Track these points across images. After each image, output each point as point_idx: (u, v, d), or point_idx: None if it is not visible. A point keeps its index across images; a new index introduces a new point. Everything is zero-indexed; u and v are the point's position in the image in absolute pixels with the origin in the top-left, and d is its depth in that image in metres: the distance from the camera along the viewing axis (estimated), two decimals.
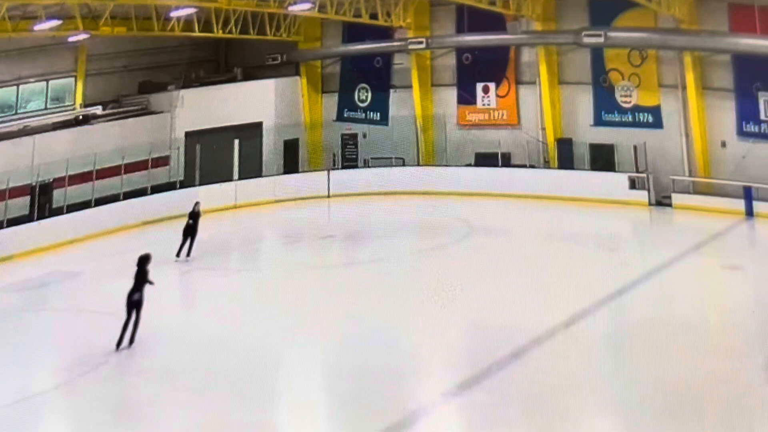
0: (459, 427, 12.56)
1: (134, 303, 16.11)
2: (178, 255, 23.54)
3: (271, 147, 35.32)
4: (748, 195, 26.11)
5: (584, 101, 31.16)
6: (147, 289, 16.24)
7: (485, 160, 32.47)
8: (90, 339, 16.75)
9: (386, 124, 35.90)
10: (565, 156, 31.07)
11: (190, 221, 24.04)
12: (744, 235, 25.31)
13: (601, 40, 28.91)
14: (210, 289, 20.95)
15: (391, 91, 36.12)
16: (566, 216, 27.45)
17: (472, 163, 32.98)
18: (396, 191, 31.34)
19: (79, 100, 33.48)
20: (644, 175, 28.73)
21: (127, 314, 16.03)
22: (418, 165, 33.90)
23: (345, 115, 37.29)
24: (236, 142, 33.30)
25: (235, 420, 12.51)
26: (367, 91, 36.69)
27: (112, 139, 31.31)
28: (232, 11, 31.25)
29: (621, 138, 29.81)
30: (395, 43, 34.66)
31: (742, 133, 27.40)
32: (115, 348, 15.79)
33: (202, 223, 24.14)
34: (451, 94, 34.49)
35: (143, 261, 16.77)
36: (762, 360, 14.45)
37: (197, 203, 24.58)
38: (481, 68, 33.63)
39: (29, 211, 27.64)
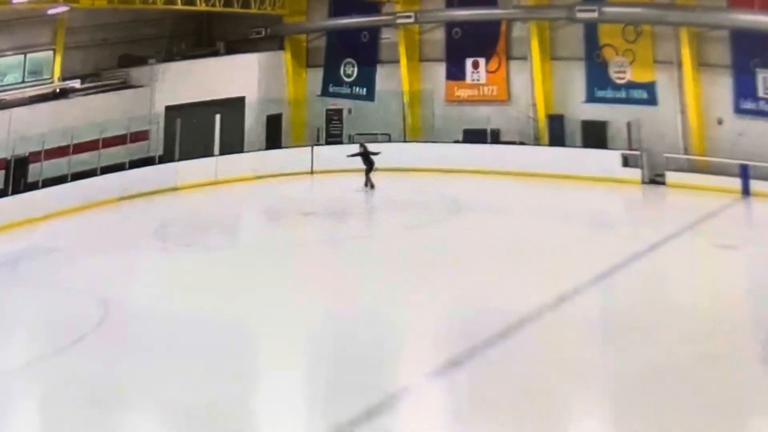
0: (443, 407, 12.18)
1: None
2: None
3: (253, 122, 34.63)
4: (744, 173, 25.62)
5: (576, 77, 30.58)
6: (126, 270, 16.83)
7: (474, 136, 31.95)
8: (64, 316, 16.43)
9: (372, 100, 35.22)
10: (556, 133, 30.57)
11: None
12: (740, 215, 24.88)
13: (595, 15, 28.40)
14: (189, 267, 20.41)
15: (378, 66, 35.37)
16: (557, 194, 27.03)
17: (461, 139, 32.42)
18: (382, 168, 30.82)
19: (57, 73, 32.53)
20: (638, 152, 28.27)
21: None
22: (405, 141, 33.35)
23: (330, 90, 36.52)
24: (217, 116, 32.85)
25: (212, 397, 12.13)
26: (353, 66, 35.94)
27: (90, 113, 30.61)
28: None
29: (614, 115, 29.35)
30: (383, 18, 34.03)
31: (739, 110, 26.88)
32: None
33: (182, 199, 23.78)
34: (439, 70, 33.80)
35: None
36: (757, 340, 14.25)
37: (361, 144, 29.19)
38: (471, 43, 32.92)
39: (4, 185, 27.09)
